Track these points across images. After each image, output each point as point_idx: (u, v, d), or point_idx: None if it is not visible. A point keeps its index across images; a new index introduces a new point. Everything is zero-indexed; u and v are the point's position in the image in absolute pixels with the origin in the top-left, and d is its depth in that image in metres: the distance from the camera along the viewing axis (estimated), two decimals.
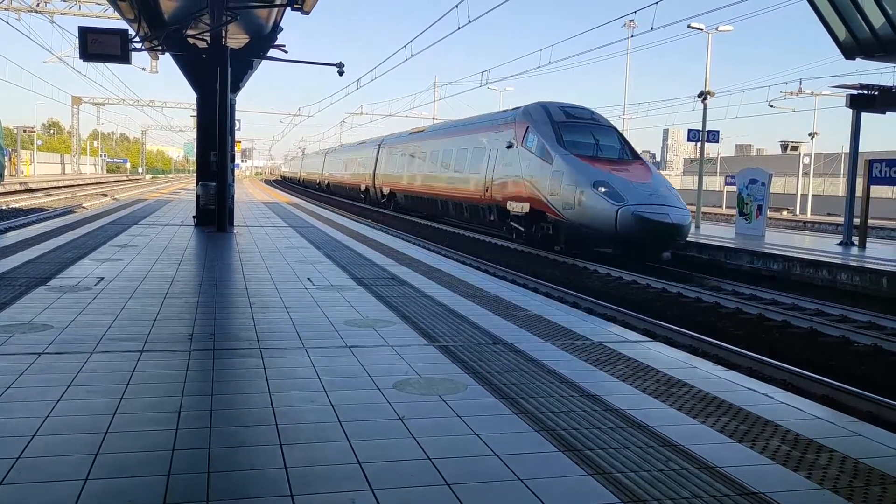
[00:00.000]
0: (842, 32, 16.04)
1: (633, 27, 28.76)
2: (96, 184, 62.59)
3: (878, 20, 15.28)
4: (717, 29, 27.46)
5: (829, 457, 3.61)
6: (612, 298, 12.73)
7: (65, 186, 51.00)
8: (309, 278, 9.07)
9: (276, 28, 16.85)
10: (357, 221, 22.40)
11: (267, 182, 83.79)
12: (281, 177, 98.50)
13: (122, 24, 17.42)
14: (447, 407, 4.22)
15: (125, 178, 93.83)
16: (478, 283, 9.18)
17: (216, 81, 14.93)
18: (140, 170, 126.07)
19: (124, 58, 13.88)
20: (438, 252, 16.85)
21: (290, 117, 79.49)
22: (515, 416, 4.09)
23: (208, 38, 15.38)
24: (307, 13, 14.64)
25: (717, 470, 3.40)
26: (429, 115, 65.23)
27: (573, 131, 19.36)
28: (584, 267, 16.34)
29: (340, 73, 17.22)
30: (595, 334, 6.36)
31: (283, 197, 37.42)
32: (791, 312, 11.26)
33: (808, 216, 41.59)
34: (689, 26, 27.98)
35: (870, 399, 7.10)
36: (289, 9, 14.69)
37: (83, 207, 30.49)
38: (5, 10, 37.89)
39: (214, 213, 15.26)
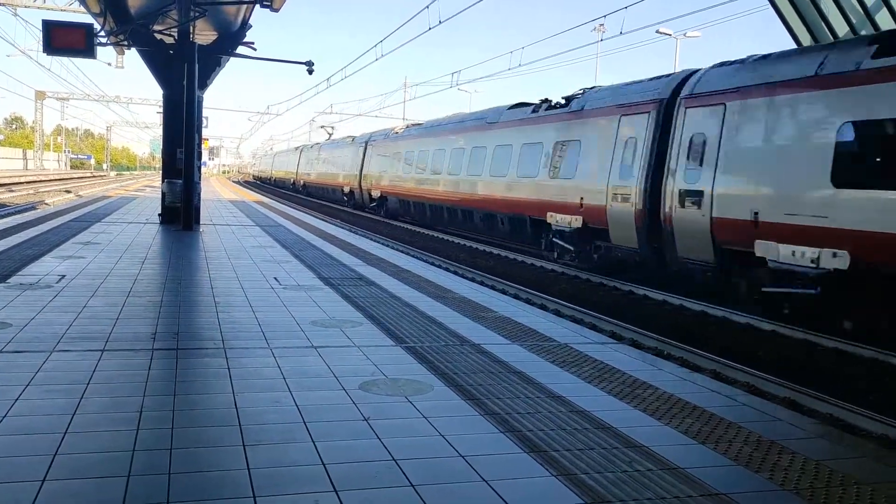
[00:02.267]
0: (806, 40, 16.31)
1: (603, 31, 29.05)
2: (59, 180, 61.56)
3: (841, 28, 15.58)
4: (685, 34, 27.78)
5: (791, 458, 3.65)
6: (579, 301, 12.79)
7: (27, 182, 50.09)
8: (276, 278, 8.99)
9: (245, 25, 16.69)
10: (326, 221, 22.29)
11: (235, 182, 79.44)
12: (253, 177, 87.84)
13: (87, 19, 17.14)
14: (413, 408, 4.20)
15: (89, 174, 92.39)
16: (446, 284, 9.17)
17: (183, 78, 14.77)
18: (105, 166, 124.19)
19: (89, 52, 13.67)
20: (407, 253, 16.83)
21: (259, 115, 78.99)
22: (481, 417, 4.08)
23: (175, 34, 15.21)
24: (277, 10, 14.51)
25: (680, 471, 3.43)
26: (399, 114, 65.19)
27: None
28: (553, 269, 16.40)
29: (310, 72, 17.11)
30: (562, 336, 6.38)
31: (251, 196, 37.12)
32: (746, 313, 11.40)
33: None
34: (657, 31, 28.30)
35: (831, 402, 7.21)
36: (258, 6, 14.57)
37: (45, 204, 29.96)
38: None
39: (180, 210, 15.08)
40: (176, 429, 3.69)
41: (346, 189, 37.56)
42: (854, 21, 15.39)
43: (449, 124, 25.51)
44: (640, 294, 13.36)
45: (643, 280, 14.21)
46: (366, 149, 34.52)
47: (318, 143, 52.73)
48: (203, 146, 21.15)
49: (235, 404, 4.12)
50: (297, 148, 60.35)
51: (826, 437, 4.06)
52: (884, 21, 14.76)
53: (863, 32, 14.77)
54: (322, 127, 57.29)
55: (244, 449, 3.46)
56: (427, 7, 19.04)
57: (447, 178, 23.60)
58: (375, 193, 32.13)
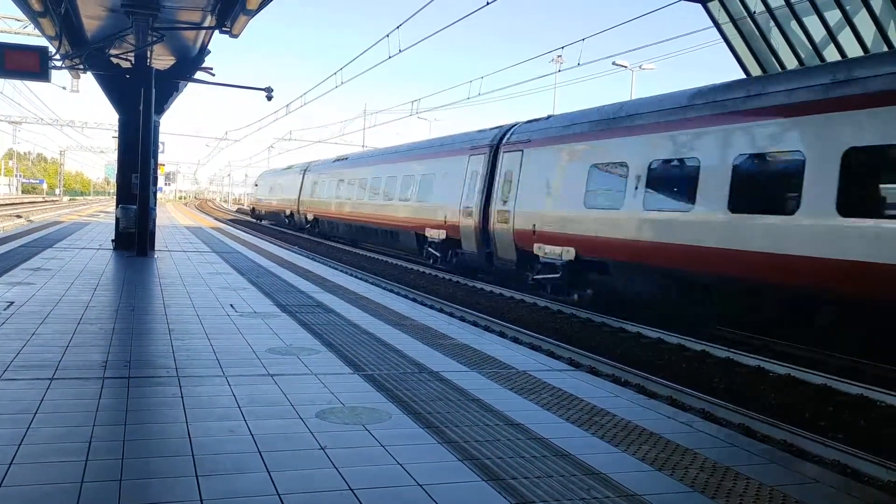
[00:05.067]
0: (756, 72, 16.78)
1: (561, 62, 29.47)
2: (10, 205, 60.20)
3: (790, 62, 16.05)
4: (640, 67, 28.34)
5: (746, 484, 3.69)
6: (538, 328, 12.84)
7: None
8: (232, 305, 8.87)
9: (204, 50, 16.61)
10: (284, 248, 22.10)
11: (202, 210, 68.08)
12: (253, 210, 57.76)
13: (42, 42, 16.89)
14: (371, 436, 4.15)
15: (41, 199, 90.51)
16: (405, 311, 9.13)
17: (140, 102, 14.60)
18: (57, 191, 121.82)
19: (43, 75, 13.44)
20: (366, 280, 16.75)
21: (217, 141, 78.34)
22: (439, 445, 4.06)
23: (132, 58, 15.06)
24: (236, 36, 14.47)
25: (638, 498, 3.44)
26: (359, 142, 65.26)
27: None
28: (511, 297, 16.47)
29: (269, 98, 17.06)
30: (520, 363, 6.39)
31: (208, 222, 36.69)
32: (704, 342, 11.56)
33: None
34: (613, 63, 28.84)
35: (783, 428, 7.32)
36: (217, 31, 14.52)
37: None
38: None
39: (135, 236, 14.84)
40: (126, 459, 3.60)
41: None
42: (803, 55, 15.88)
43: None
44: (598, 322, 13.46)
45: (602, 309, 14.34)
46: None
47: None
48: (159, 171, 20.89)
49: (189, 434, 4.03)
50: (298, 170, 41.89)
51: (779, 462, 4.11)
52: (831, 55, 15.25)
53: (813, 64, 15.23)
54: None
55: (197, 479, 3.39)
56: (387, 36, 19.14)
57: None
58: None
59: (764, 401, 8.52)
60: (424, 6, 16.14)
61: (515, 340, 10.73)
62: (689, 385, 8.99)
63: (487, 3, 14.46)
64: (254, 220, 54.02)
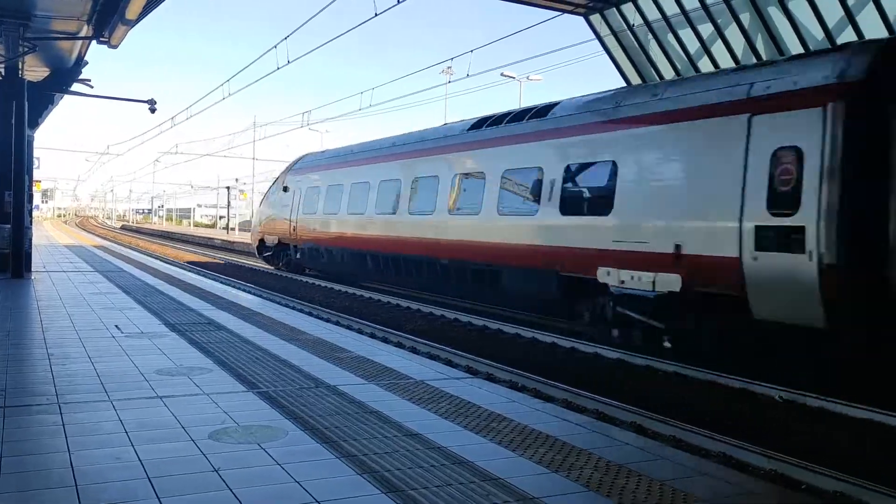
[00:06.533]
0: (636, 81, 17.49)
1: (451, 73, 29.80)
2: None
3: (668, 72, 16.79)
4: (528, 77, 29.01)
5: (637, 481, 3.80)
6: (435, 338, 12.88)
7: None
8: (117, 326, 8.50)
9: (81, 61, 15.90)
10: (173, 265, 21.38)
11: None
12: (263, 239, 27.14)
13: None
14: (266, 455, 4.06)
15: None
16: (300, 325, 8.99)
17: (12, 116, 13.84)
18: None
19: None
20: (259, 295, 16.41)
21: (98, 156, 75.11)
22: (337, 459, 4.00)
23: (2, 70, 14.26)
24: (115, 47, 13.91)
25: (535, 500, 3.49)
26: (249, 153, 63.94)
27: None
28: (409, 307, 16.47)
29: (152, 111, 16.54)
30: (418, 373, 6.39)
31: (88, 240, 35.10)
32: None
33: None
34: (502, 74, 29.40)
35: (672, 424, 7.59)
36: (94, 42, 13.93)
37: None
38: None
39: (8, 257, 14.02)
40: (3, 494, 3.38)
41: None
42: (679, 67, 16.65)
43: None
44: (495, 328, 13.63)
45: (499, 316, 14.53)
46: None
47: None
48: (35, 188, 19.86)
49: (71, 463, 3.83)
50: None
51: (669, 458, 4.27)
52: (706, 66, 16.04)
53: (689, 75, 15.99)
54: None
55: None
56: (275, 47, 18.85)
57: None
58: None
59: (656, 399, 8.81)
60: (313, 17, 16.03)
61: (413, 350, 10.73)
62: (583, 387, 9.21)
63: (395, 5, 13.82)
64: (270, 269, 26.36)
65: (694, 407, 8.48)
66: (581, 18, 17.71)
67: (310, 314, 13.18)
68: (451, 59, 22.65)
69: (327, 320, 12.88)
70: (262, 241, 26.20)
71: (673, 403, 8.62)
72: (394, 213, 17.63)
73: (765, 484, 4.77)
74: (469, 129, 15.85)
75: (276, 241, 24.63)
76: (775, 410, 8.36)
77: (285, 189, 24.33)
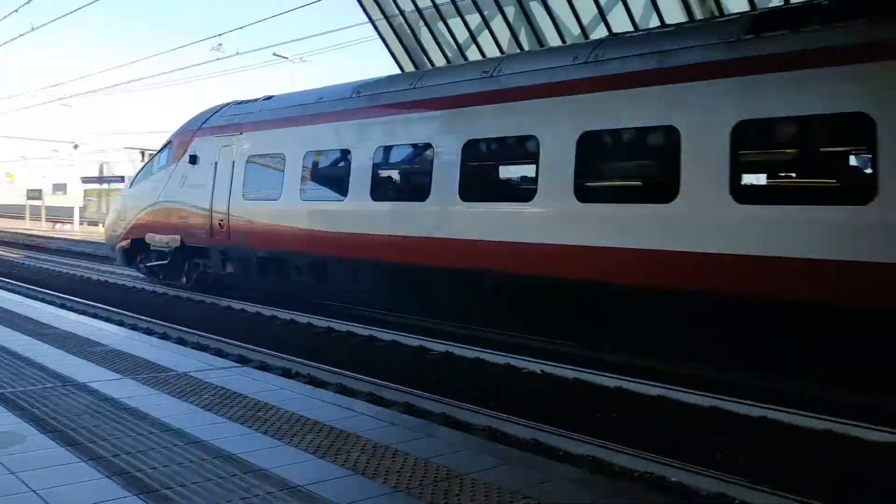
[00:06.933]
0: (408, 66, 17.83)
1: (220, 51, 28.51)
2: None
3: (439, 60, 17.27)
4: (301, 59, 28.55)
5: (404, 460, 3.84)
6: (205, 326, 12.32)
7: None
8: None
9: None
10: None
11: None
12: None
13: None
14: None
15: None
16: (46, 319, 8.21)
17: None
18: None
19: None
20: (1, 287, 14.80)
21: None
22: (83, 462, 3.67)
23: None
24: None
25: (302, 490, 3.41)
26: None
27: None
28: (176, 296, 15.64)
29: None
30: (182, 365, 6.06)
31: None
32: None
33: None
34: (274, 54, 28.69)
35: (443, 402, 7.81)
36: None
37: None
38: None
39: None
40: None
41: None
42: (449, 55, 17.17)
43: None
44: (269, 315, 13.30)
45: (270, 301, 14.18)
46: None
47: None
48: None
49: None
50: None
51: (437, 435, 4.36)
52: (473, 54, 16.66)
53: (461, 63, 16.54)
54: None
55: None
56: (17, 10, 17.03)
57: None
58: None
59: (425, 378, 9.02)
60: None
61: (181, 341, 10.22)
62: (358, 370, 9.22)
63: None
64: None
65: (463, 381, 8.79)
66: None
67: (62, 306, 12.11)
68: (220, 34, 21.67)
69: (83, 312, 11.90)
70: (135, 241, 17.03)
71: (442, 381, 8.88)
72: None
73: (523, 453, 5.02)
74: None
75: (179, 244, 15.69)
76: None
77: (193, 160, 15.58)
